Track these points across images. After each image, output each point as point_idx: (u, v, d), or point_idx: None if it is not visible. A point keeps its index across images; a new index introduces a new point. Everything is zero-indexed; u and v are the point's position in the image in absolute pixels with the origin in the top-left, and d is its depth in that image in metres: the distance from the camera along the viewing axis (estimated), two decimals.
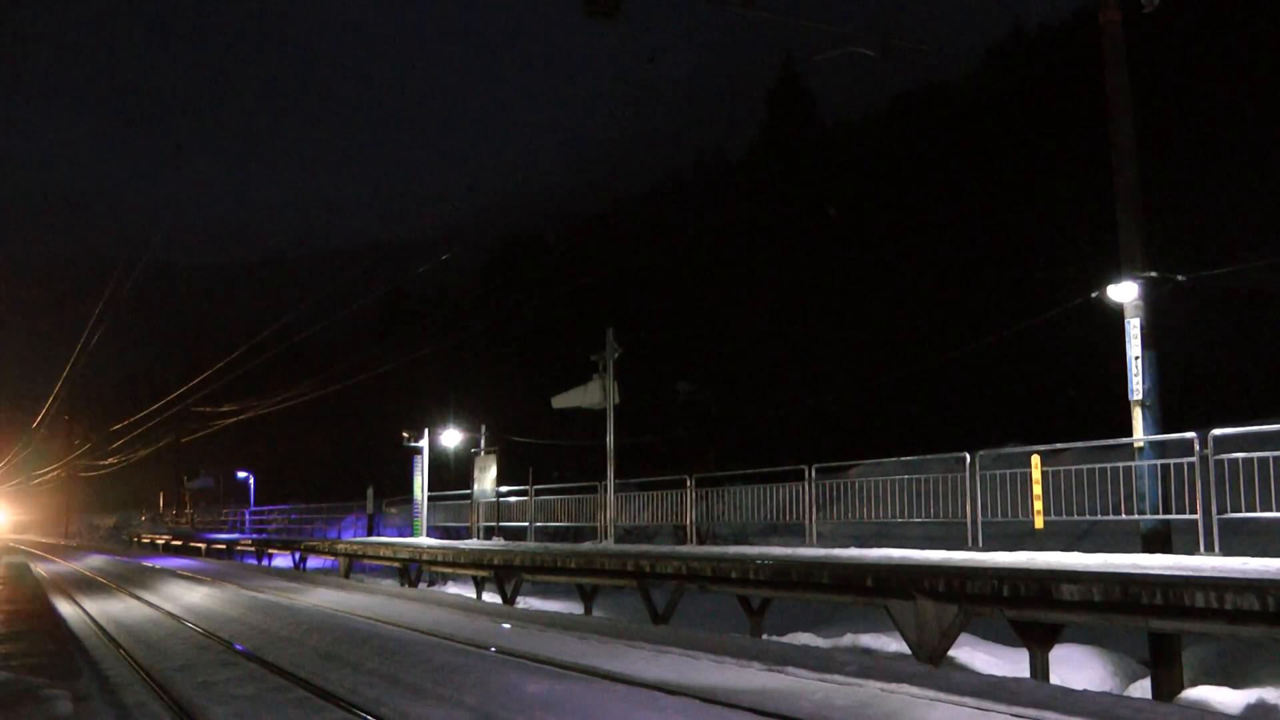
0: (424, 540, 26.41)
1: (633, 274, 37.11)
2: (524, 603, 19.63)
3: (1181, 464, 10.86)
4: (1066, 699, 8.47)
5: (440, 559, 22.53)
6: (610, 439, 20.61)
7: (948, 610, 10.02)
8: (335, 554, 29.00)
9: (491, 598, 20.32)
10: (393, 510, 34.29)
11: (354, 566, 28.49)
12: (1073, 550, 11.08)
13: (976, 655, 12.10)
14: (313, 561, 32.75)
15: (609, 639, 13.50)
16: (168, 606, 19.28)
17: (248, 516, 49.90)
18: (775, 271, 37.74)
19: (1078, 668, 11.74)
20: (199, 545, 47.67)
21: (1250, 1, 26.58)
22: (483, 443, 26.83)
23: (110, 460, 70.59)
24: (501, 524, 25.26)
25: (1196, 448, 10.58)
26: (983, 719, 7.79)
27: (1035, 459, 12.31)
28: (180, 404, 54.99)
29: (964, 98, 33.60)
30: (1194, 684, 10.27)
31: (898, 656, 10.87)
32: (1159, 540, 11.26)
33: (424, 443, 27.59)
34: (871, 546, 13.62)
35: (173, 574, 28.76)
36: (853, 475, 15.39)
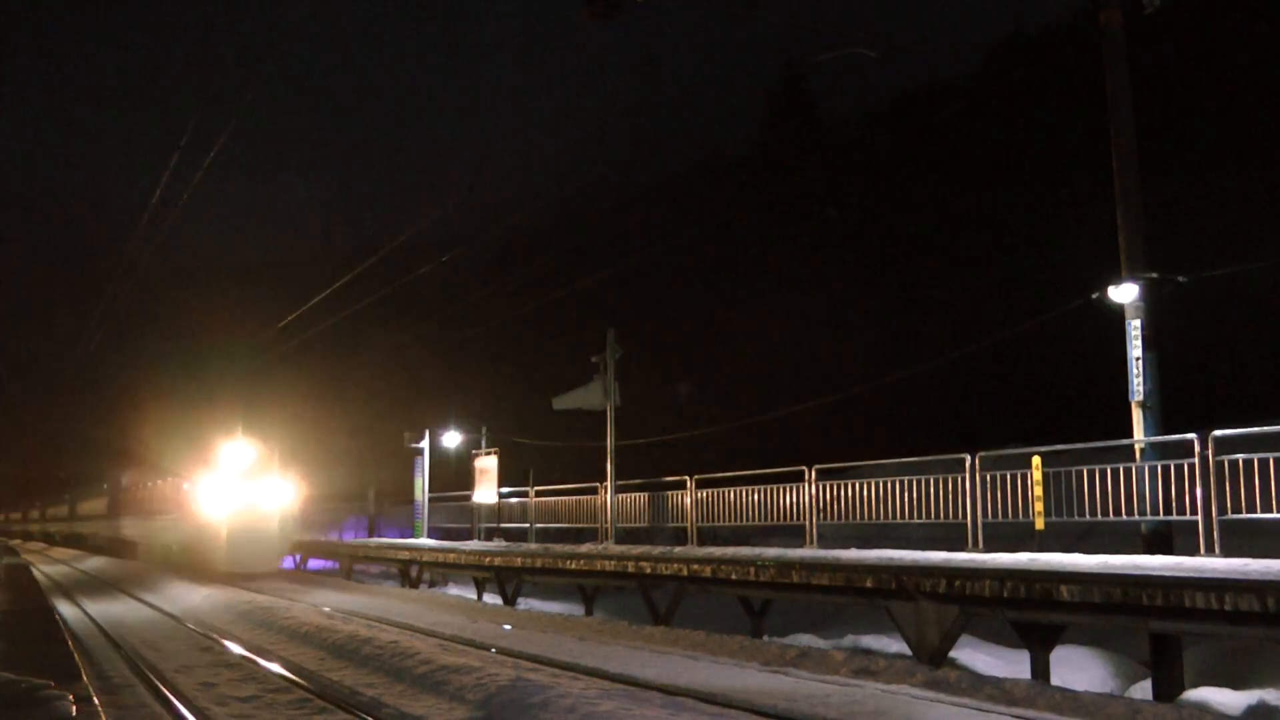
0: (425, 541, 26.41)
1: (633, 274, 37.11)
2: (525, 604, 19.64)
3: (1182, 465, 10.86)
4: (1067, 700, 8.47)
5: (441, 560, 22.54)
6: (610, 440, 20.60)
7: (948, 611, 10.03)
8: (336, 555, 29.02)
9: (492, 599, 20.33)
10: (393, 511, 34.29)
11: (354, 568, 28.51)
12: (1073, 551, 11.08)
13: (977, 656, 12.10)
14: (313, 563, 32.76)
15: (610, 640, 13.50)
16: (168, 607, 19.28)
17: None
18: (775, 271, 37.70)
19: (1078, 669, 11.74)
20: None
21: (1250, 1, 26.57)
22: (483, 444, 26.84)
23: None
24: (502, 525, 25.26)
25: (1197, 449, 10.58)
26: None
27: (1036, 460, 12.30)
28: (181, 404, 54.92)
29: (964, 98, 33.57)
30: (1195, 685, 10.27)
31: (898, 657, 10.87)
32: (1160, 541, 11.26)
33: (425, 443, 27.61)
34: (872, 548, 13.61)
35: (172, 575, 28.74)
36: (853, 476, 15.37)
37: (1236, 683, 10.47)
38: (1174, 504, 11.04)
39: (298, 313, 24.38)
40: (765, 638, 13.72)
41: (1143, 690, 10.93)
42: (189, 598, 21.02)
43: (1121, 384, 11.86)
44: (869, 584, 10.80)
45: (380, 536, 31.48)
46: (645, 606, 15.16)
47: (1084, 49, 16.49)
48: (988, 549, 12.32)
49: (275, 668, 11.33)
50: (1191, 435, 10.70)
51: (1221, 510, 10.45)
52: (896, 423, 29.37)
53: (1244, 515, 10.40)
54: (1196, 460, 10.58)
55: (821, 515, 15.41)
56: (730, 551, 14.63)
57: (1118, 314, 12.00)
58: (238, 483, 26.56)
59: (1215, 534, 10.42)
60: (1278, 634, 7.66)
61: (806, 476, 15.50)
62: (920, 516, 13.78)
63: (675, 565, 14.23)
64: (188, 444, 29.10)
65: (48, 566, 37.15)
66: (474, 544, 23.76)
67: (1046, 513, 12.18)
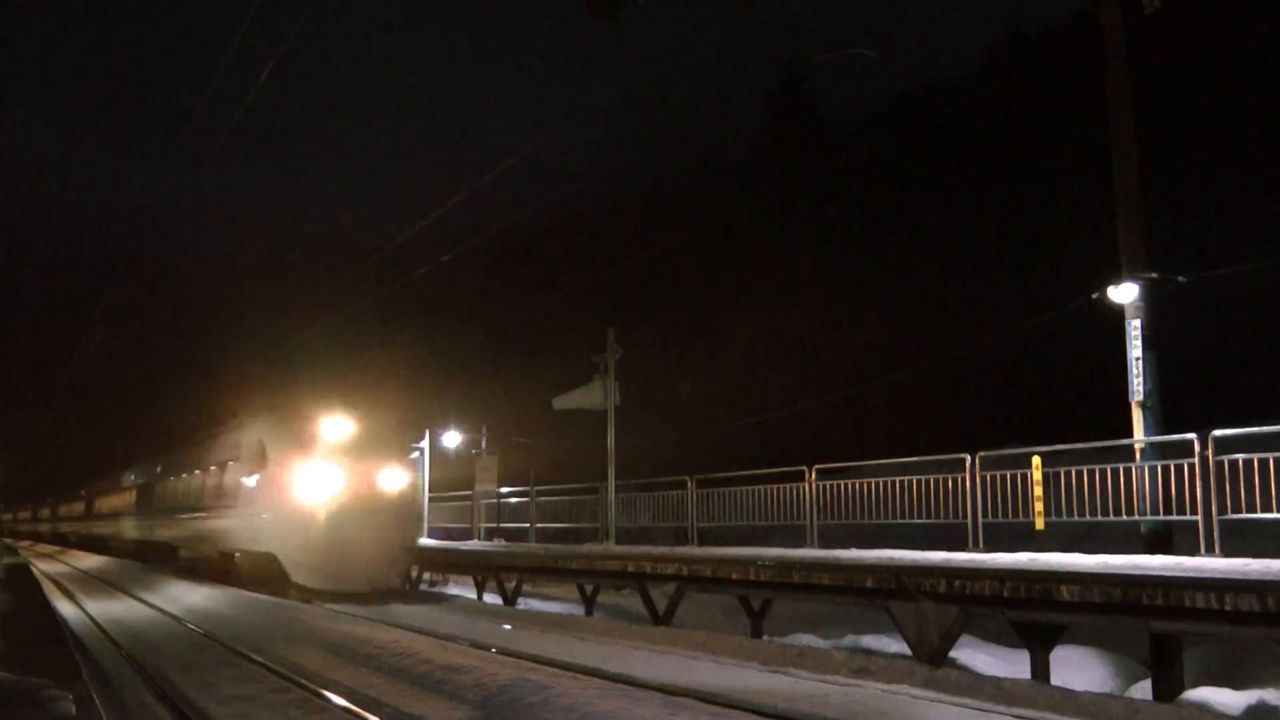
0: (425, 541, 26.42)
1: (633, 274, 37.17)
2: (525, 604, 19.63)
3: (1182, 465, 10.86)
4: (1067, 700, 8.47)
5: (441, 560, 22.54)
6: (611, 440, 20.61)
7: (948, 611, 10.02)
8: None
9: (492, 599, 20.32)
10: None
11: None
12: (1073, 551, 11.09)
13: (977, 656, 12.10)
14: None
15: (609, 640, 13.49)
16: (168, 607, 19.27)
17: None
18: (776, 271, 37.72)
19: (1078, 669, 11.74)
20: None
21: (1250, 1, 26.56)
22: (484, 443, 26.84)
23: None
24: (502, 525, 25.26)
25: (1197, 449, 10.58)
26: None
27: (1036, 460, 12.31)
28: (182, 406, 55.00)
29: (964, 98, 33.57)
30: (1195, 685, 10.27)
31: (898, 657, 10.87)
32: (1160, 541, 11.27)
33: (425, 443, 27.61)
34: (872, 548, 13.62)
35: (173, 574, 28.73)
36: (853, 476, 15.38)
37: (1236, 683, 10.47)
38: (1174, 504, 11.05)
39: (380, 254, 22.83)
40: (765, 638, 13.72)
41: (1143, 690, 10.93)
42: (189, 597, 21.02)
43: (1121, 384, 11.86)
44: (869, 584, 10.79)
45: None
46: (645, 606, 15.15)
47: (1084, 49, 16.47)
48: (988, 549, 12.33)
49: (276, 667, 11.32)
50: (1191, 435, 10.70)
51: (1221, 510, 10.46)
52: (896, 423, 29.37)
53: (1244, 515, 10.41)
54: (1196, 460, 10.58)
55: (822, 515, 15.41)
56: (730, 551, 14.64)
57: (1118, 314, 12.00)
58: (336, 469, 19.47)
59: (1215, 534, 10.43)
60: (1278, 634, 7.66)
61: (807, 476, 15.51)
62: (920, 516, 13.79)
63: (675, 565, 14.23)
64: (252, 420, 22.29)
65: (46, 565, 37.09)
66: (474, 544, 23.77)
67: (1046, 513, 12.19)
